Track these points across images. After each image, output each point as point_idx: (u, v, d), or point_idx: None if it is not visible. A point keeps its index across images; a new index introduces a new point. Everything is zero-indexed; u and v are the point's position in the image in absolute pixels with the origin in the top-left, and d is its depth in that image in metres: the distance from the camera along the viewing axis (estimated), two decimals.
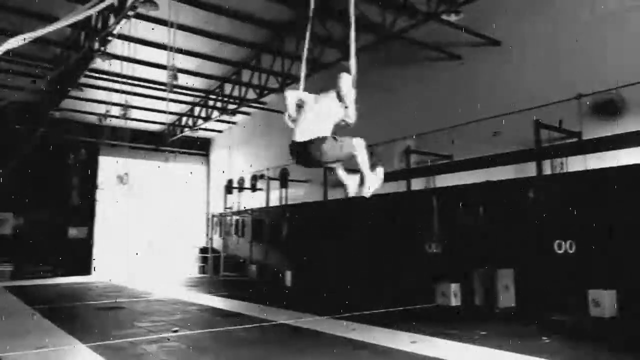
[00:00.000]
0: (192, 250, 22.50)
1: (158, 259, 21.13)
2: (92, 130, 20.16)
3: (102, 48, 12.52)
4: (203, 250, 22.23)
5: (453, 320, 8.78)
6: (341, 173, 4.04)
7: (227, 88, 17.41)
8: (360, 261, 13.73)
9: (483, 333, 7.38)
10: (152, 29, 12.61)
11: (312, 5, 4.74)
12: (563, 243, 8.88)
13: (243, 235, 19.94)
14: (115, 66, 14.40)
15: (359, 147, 3.78)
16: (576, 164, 9.63)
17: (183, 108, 20.19)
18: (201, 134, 22.63)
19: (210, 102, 18.84)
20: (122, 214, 20.17)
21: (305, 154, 3.77)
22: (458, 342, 6.72)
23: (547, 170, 9.88)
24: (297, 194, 17.29)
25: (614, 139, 9.14)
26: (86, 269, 19.71)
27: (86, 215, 20.36)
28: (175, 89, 15.74)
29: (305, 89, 4.20)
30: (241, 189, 20.57)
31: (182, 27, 12.35)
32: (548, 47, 10.35)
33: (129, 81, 15.57)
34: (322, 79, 4.84)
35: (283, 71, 14.52)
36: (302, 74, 4.40)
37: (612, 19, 9.39)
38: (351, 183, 4.00)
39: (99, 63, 13.61)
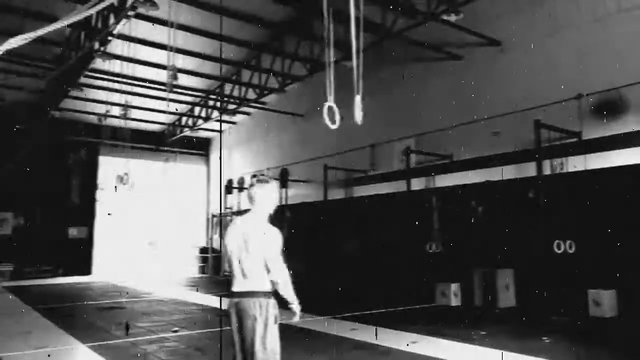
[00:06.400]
0: (192, 250, 22.49)
1: (158, 259, 21.11)
2: (92, 130, 20.13)
3: (102, 48, 12.51)
4: (203, 250, 22.20)
5: (453, 320, 8.78)
6: None
7: (227, 88, 17.40)
8: (361, 261, 13.74)
9: (483, 333, 7.38)
10: (152, 29, 12.60)
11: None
12: (563, 243, 8.87)
13: None
14: (115, 66, 14.39)
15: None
16: (576, 164, 9.63)
17: (183, 108, 20.19)
18: (201, 134, 22.60)
19: (210, 102, 18.83)
20: (122, 214, 20.16)
21: None
22: (458, 342, 6.72)
23: (547, 170, 9.87)
24: (297, 194, 17.28)
25: (614, 139, 9.15)
26: (86, 269, 19.70)
27: (86, 215, 20.32)
28: (175, 89, 15.72)
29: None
30: (241, 189, 20.55)
31: (182, 27, 12.34)
32: (548, 47, 10.35)
33: (129, 81, 15.55)
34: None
35: (283, 71, 14.52)
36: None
37: (612, 19, 9.38)
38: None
39: (99, 63, 13.60)
